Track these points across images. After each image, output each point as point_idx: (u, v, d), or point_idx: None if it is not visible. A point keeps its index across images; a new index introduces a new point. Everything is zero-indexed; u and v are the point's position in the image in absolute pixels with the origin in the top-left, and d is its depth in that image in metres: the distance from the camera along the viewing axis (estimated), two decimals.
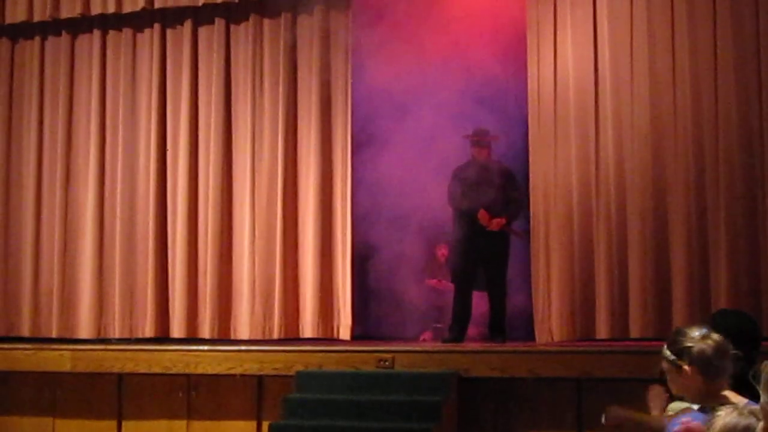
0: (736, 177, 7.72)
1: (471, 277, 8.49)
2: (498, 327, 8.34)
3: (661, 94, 7.97)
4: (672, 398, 3.85)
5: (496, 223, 8.32)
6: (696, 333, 3.44)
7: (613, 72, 8.08)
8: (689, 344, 3.42)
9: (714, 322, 3.77)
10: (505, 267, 8.47)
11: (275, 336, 8.56)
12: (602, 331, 7.88)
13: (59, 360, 8.19)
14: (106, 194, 9.19)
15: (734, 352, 3.44)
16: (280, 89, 8.84)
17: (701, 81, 7.88)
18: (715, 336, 3.42)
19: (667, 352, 3.48)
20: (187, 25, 9.13)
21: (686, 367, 3.40)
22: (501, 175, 8.53)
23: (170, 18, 9.20)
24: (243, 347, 8.00)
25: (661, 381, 4.28)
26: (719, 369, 3.37)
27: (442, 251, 9.70)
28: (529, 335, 8.18)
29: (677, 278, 7.77)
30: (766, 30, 7.76)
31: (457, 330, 8.35)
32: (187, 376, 7.91)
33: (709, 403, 3.22)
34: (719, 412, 2.62)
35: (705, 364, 3.37)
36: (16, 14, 9.37)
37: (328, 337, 8.52)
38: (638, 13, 8.08)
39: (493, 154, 8.71)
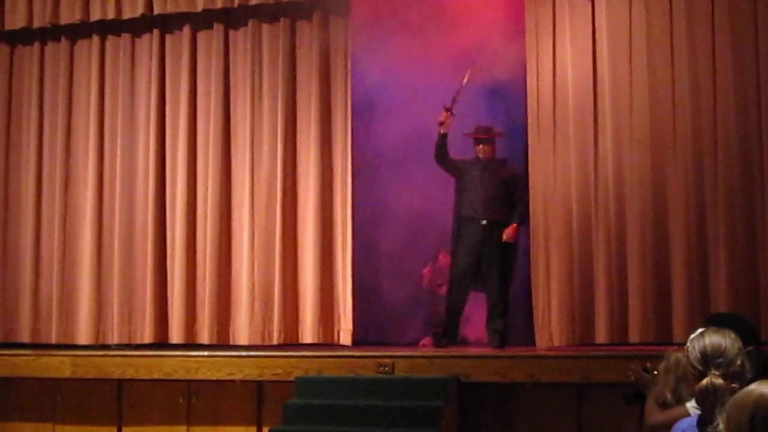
0: (736, 181, 7.72)
1: (470, 278, 8.40)
2: (497, 331, 8.22)
3: (660, 98, 7.96)
4: None
5: (513, 230, 8.23)
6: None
7: (612, 76, 8.08)
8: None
9: (708, 325, 3.76)
10: (508, 270, 8.38)
11: (275, 341, 8.52)
12: (602, 335, 7.87)
13: (59, 366, 8.20)
14: (105, 200, 9.18)
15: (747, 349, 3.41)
16: (279, 94, 8.81)
17: (700, 84, 7.87)
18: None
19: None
20: (186, 30, 9.11)
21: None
22: (506, 174, 8.44)
23: (169, 23, 9.18)
24: (243, 353, 8.00)
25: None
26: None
27: (446, 258, 9.59)
28: (529, 340, 8.17)
29: (677, 282, 7.77)
30: (765, 33, 7.75)
31: (452, 332, 8.31)
32: (188, 382, 7.92)
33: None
34: (754, 385, 2.53)
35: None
36: (15, 20, 9.36)
37: (328, 343, 8.50)
38: (637, 17, 8.07)
39: (498, 152, 8.59)
